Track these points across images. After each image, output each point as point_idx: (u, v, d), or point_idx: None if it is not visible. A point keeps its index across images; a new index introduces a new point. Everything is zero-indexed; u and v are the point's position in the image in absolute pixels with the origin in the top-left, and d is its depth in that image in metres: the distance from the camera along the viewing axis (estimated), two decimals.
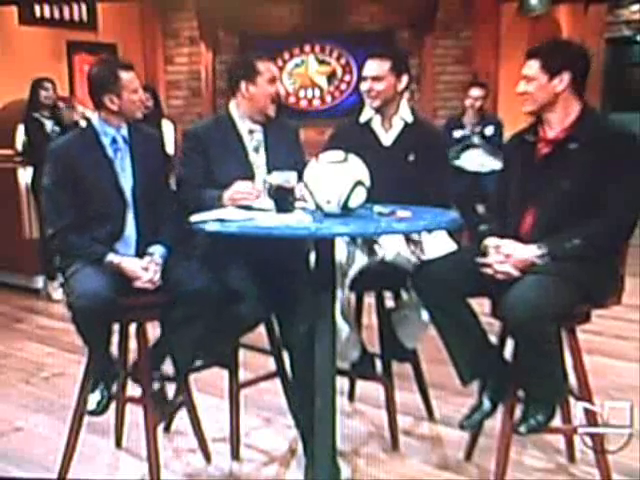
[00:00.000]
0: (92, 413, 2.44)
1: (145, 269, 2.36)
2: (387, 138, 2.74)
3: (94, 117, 2.50)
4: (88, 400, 2.42)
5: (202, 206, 2.39)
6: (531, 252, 2.19)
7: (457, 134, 5.17)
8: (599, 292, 2.25)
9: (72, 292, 2.30)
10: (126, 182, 2.45)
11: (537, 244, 2.20)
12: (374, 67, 2.66)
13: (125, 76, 2.43)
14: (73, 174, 2.40)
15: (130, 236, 2.46)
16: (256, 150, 2.60)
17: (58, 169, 2.42)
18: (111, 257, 2.37)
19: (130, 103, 2.45)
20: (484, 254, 2.26)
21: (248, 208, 2.37)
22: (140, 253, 2.43)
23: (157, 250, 2.42)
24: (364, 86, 2.70)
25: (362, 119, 2.77)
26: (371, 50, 2.75)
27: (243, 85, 2.55)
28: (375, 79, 2.66)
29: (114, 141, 2.46)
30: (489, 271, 2.22)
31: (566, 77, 2.21)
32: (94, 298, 2.21)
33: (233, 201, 2.40)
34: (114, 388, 2.45)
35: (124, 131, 2.48)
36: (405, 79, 2.69)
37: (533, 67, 2.24)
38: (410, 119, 2.75)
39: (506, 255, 2.21)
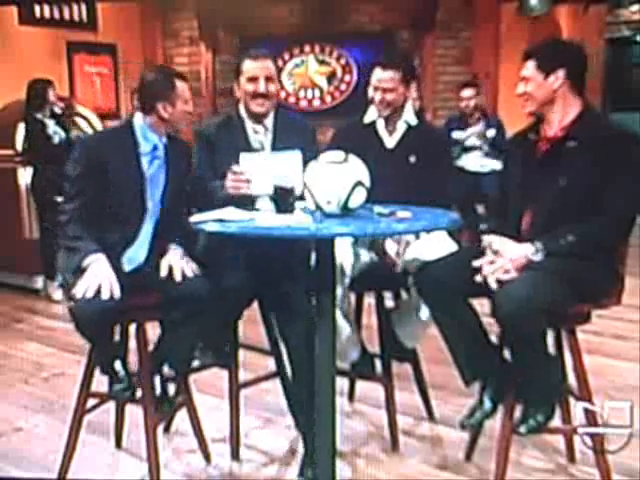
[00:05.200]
0: (123, 398, 2.46)
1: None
2: (390, 141, 2.75)
3: (137, 118, 2.43)
4: (115, 388, 2.41)
5: (208, 199, 2.40)
6: (524, 250, 2.19)
7: (457, 135, 5.18)
8: (596, 291, 2.25)
9: (74, 298, 2.25)
10: (154, 190, 2.42)
11: (532, 241, 2.20)
12: (386, 79, 2.66)
13: (180, 85, 2.41)
14: (100, 172, 2.34)
15: (144, 240, 2.44)
16: (257, 152, 2.60)
17: (86, 162, 2.37)
18: (90, 260, 2.26)
19: (181, 113, 2.42)
20: (483, 252, 2.26)
21: (247, 208, 2.37)
22: (151, 255, 2.42)
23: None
24: (376, 96, 2.69)
25: (366, 120, 2.78)
26: (377, 55, 2.77)
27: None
28: (387, 90, 2.66)
29: (155, 148, 2.42)
30: (480, 278, 2.22)
31: (561, 74, 2.23)
32: (97, 305, 2.17)
33: (231, 185, 2.42)
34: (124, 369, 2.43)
35: (165, 140, 2.45)
36: (414, 86, 2.72)
37: (529, 68, 2.26)
38: (414, 122, 2.76)
39: (495, 252, 2.21)
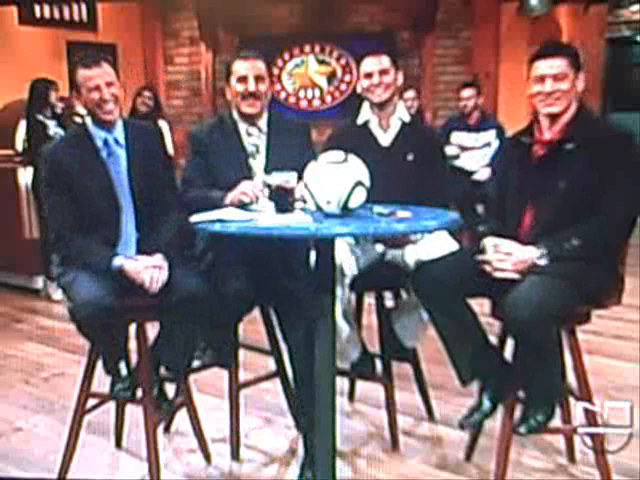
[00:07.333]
0: (123, 398, 2.46)
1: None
2: (385, 138, 2.75)
3: (88, 118, 2.43)
4: (115, 388, 2.41)
5: (206, 206, 2.37)
6: (530, 253, 2.19)
7: (462, 141, 5.18)
8: (600, 292, 2.25)
9: (74, 300, 2.25)
10: (121, 185, 2.40)
11: (536, 245, 2.20)
12: (381, 61, 2.68)
13: (83, 73, 2.33)
14: (65, 178, 2.34)
15: (129, 239, 2.42)
16: (252, 155, 2.60)
17: (51, 172, 2.38)
18: (117, 261, 2.31)
19: (90, 102, 2.35)
20: (482, 253, 2.26)
21: (247, 209, 2.37)
22: (140, 253, 2.40)
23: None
24: (375, 79, 2.67)
25: (359, 121, 2.77)
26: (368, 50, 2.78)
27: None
28: (383, 72, 2.67)
29: (105, 143, 2.40)
30: (488, 268, 2.22)
31: (581, 77, 2.25)
32: (97, 306, 2.17)
33: (235, 199, 2.40)
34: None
35: (117, 133, 2.41)
36: (401, 76, 2.72)
37: (561, 65, 2.22)
38: (407, 119, 2.76)
39: (506, 253, 2.21)
